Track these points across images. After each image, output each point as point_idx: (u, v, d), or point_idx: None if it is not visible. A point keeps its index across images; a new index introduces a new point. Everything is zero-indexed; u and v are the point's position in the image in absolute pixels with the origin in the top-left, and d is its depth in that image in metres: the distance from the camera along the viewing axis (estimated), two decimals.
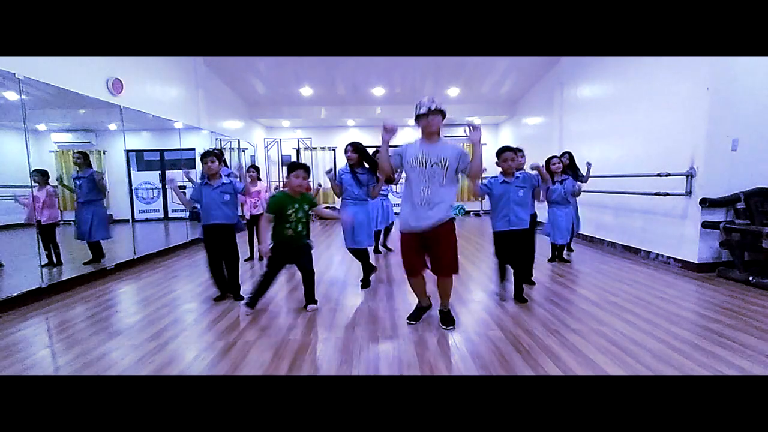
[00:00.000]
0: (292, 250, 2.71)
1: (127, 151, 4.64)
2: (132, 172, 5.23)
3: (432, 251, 2.32)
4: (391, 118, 8.49)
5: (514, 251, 2.85)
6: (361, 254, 3.30)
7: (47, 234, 3.93)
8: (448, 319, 2.45)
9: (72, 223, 4.36)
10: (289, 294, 3.19)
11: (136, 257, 4.40)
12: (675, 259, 3.95)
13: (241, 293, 3.01)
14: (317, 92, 7.71)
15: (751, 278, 3.21)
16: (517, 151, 2.93)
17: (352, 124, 9.41)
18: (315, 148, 9.51)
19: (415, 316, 2.52)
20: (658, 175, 3.93)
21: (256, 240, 4.52)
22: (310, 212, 2.75)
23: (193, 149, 5.94)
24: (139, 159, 6.04)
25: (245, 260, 4.41)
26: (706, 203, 3.56)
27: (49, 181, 4.04)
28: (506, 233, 2.81)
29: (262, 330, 2.42)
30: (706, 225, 3.60)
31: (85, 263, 4.00)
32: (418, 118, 2.21)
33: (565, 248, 4.33)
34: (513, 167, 2.77)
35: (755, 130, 3.56)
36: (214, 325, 2.51)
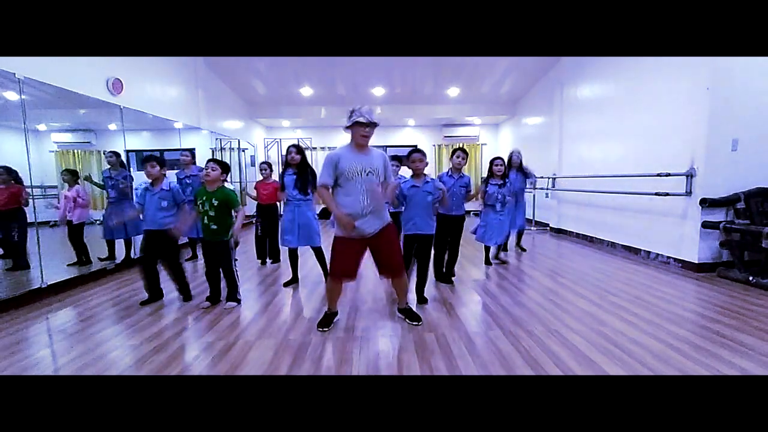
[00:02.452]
0: (210, 247, 2.84)
1: (127, 151, 4.64)
2: (132, 172, 5.22)
3: (381, 254, 2.35)
4: (389, 118, 8.50)
5: (419, 254, 2.88)
6: (292, 254, 3.43)
7: (76, 234, 4.00)
8: (414, 315, 2.49)
9: (97, 222, 4.47)
10: (289, 294, 3.19)
11: (136, 257, 4.40)
12: (675, 259, 3.95)
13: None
14: (317, 92, 7.71)
15: (751, 278, 3.21)
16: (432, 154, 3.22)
17: None
18: (315, 148, 9.51)
19: (326, 322, 2.43)
20: (658, 175, 3.93)
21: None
22: (233, 211, 2.83)
23: (194, 149, 5.93)
24: (139, 159, 6.04)
25: (186, 259, 4.54)
26: (706, 203, 3.56)
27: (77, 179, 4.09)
28: (413, 237, 2.84)
29: (262, 330, 2.43)
30: (706, 225, 3.60)
31: (102, 259, 4.18)
32: (357, 125, 2.16)
33: (502, 249, 4.38)
34: (421, 169, 2.77)
35: (755, 130, 3.56)
36: (214, 325, 2.51)
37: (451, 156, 3.27)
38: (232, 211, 2.83)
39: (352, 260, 2.31)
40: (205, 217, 2.75)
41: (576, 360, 1.96)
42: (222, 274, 2.91)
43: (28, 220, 3.51)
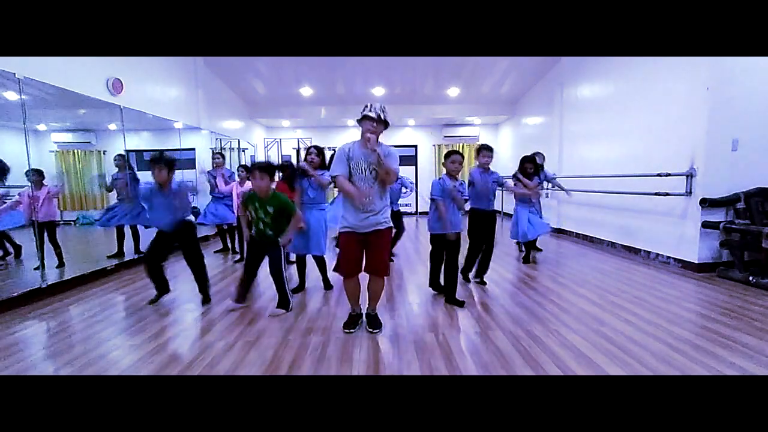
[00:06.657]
0: (261, 246, 2.78)
1: (127, 151, 4.64)
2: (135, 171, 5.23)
3: (370, 251, 2.32)
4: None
5: (449, 252, 2.88)
6: (320, 262, 3.31)
7: (48, 233, 3.90)
8: (375, 322, 2.44)
9: (73, 223, 4.58)
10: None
11: (136, 257, 4.40)
12: (675, 259, 3.95)
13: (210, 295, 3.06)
14: (317, 92, 7.71)
15: (751, 278, 3.21)
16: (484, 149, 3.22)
17: (352, 124, 9.40)
18: None
19: (352, 323, 2.43)
20: (658, 175, 3.93)
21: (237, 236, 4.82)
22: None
23: (193, 149, 5.93)
24: (139, 159, 6.03)
25: (215, 251, 4.93)
26: (706, 203, 3.56)
27: (45, 180, 3.95)
28: (443, 236, 2.84)
29: (262, 330, 2.42)
30: (706, 225, 3.59)
31: (108, 256, 4.31)
32: (365, 118, 2.16)
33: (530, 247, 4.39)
34: (459, 171, 2.82)
35: (755, 130, 3.56)
36: (214, 325, 2.51)
37: (477, 155, 3.26)
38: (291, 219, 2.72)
39: (353, 255, 2.31)
40: (260, 223, 2.69)
41: (576, 360, 1.96)
42: (272, 279, 2.80)
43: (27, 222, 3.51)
